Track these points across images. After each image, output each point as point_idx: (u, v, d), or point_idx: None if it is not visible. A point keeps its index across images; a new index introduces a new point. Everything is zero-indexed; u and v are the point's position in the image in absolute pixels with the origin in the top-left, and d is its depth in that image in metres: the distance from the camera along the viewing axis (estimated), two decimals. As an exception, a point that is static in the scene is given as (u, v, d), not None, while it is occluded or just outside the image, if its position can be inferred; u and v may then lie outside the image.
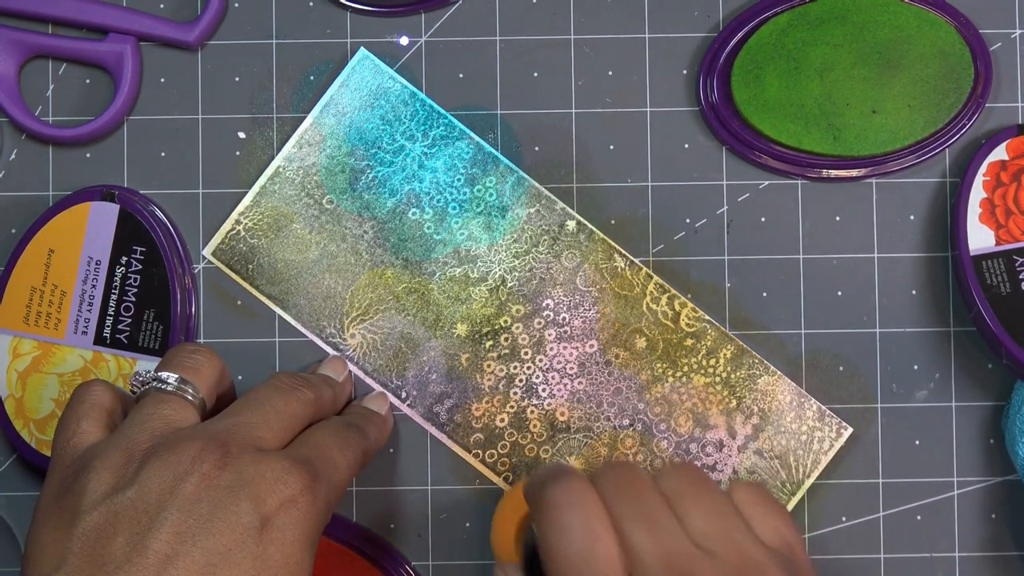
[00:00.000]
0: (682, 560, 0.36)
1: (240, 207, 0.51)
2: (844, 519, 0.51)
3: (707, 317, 0.51)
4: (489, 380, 0.51)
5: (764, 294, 0.51)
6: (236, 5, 0.51)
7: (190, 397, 0.41)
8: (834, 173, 0.50)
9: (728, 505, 0.38)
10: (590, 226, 0.51)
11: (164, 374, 0.42)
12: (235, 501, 0.37)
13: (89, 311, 0.50)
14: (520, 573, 0.42)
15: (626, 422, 0.50)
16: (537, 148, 0.51)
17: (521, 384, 0.51)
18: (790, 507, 0.50)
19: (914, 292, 0.51)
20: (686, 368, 0.51)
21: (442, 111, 0.51)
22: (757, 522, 0.38)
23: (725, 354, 0.51)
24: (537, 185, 0.51)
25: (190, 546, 0.36)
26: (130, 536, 0.36)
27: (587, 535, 0.36)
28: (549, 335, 0.51)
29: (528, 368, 0.51)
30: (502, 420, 0.51)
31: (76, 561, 0.36)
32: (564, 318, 0.51)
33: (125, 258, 0.50)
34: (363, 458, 0.44)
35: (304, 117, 0.51)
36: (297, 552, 0.38)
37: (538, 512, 0.38)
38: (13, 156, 0.51)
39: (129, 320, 0.49)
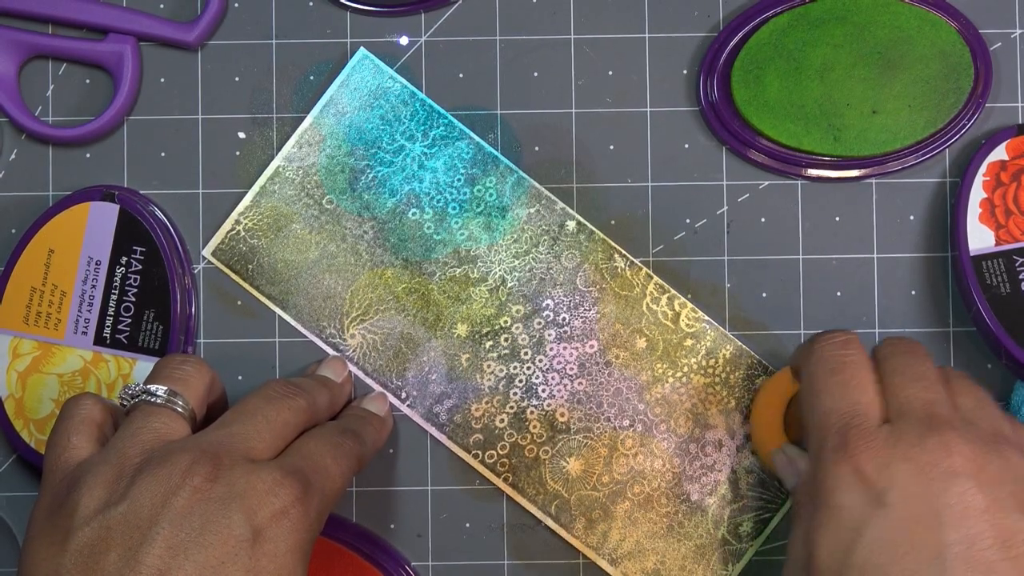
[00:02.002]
0: (944, 415, 0.41)
1: (240, 207, 0.51)
2: (844, 519, 0.51)
3: (707, 317, 0.51)
4: (489, 380, 0.51)
5: (764, 294, 0.51)
6: (236, 5, 0.51)
7: (180, 409, 0.41)
8: (834, 173, 0.50)
9: (992, 400, 0.43)
10: (590, 226, 0.51)
11: (153, 387, 0.42)
12: (227, 513, 0.37)
13: (89, 311, 0.50)
14: (798, 449, 0.46)
15: (626, 423, 0.50)
16: (537, 148, 0.51)
17: (521, 384, 0.51)
18: (787, 506, 0.50)
19: (914, 292, 0.51)
20: (686, 368, 0.51)
21: (442, 111, 0.51)
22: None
23: (725, 354, 0.51)
24: (537, 185, 0.51)
25: (183, 560, 0.36)
26: (123, 551, 0.36)
27: (856, 378, 0.43)
28: (549, 335, 0.51)
29: (528, 368, 0.51)
30: (502, 420, 0.51)
31: None
32: (564, 318, 0.51)
33: (125, 258, 0.50)
34: (358, 464, 0.44)
35: (304, 117, 0.51)
36: (290, 563, 0.38)
37: (808, 358, 0.44)
38: (13, 156, 0.51)
39: (129, 320, 0.49)
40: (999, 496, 0.39)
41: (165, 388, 0.42)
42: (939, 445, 0.39)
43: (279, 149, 0.51)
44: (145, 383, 0.42)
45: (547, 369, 0.51)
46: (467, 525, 0.51)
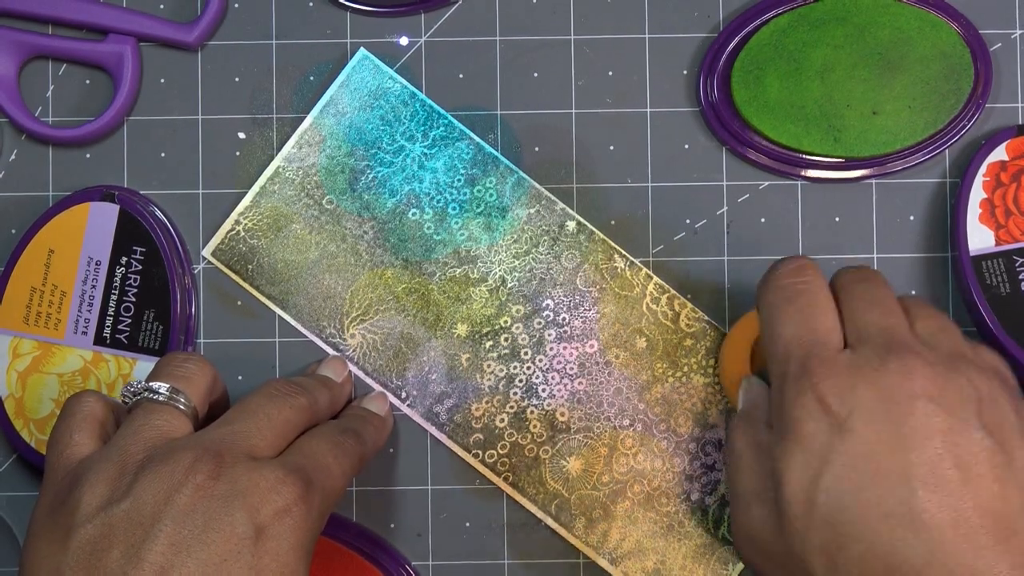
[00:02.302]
0: (903, 339, 0.41)
1: (240, 207, 0.51)
2: (844, 519, 0.51)
3: (707, 317, 0.51)
4: (489, 380, 0.51)
5: (764, 294, 0.51)
6: (236, 5, 0.51)
7: (182, 407, 0.41)
8: (834, 174, 0.50)
9: (952, 323, 0.43)
10: (590, 226, 0.51)
11: (156, 384, 0.42)
12: (229, 511, 0.37)
13: (89, 311, 0.50)
14: (764, 385, 0.45)
15: (626, 422, 0.50)
16: (537, 148, 0.51)
17: (521, 384, 0.51)
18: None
19: (914, 292, 0.51)
20: (686, 368, 0.51)
21: (442, 111, 0.51)
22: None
23: (725, 354, 0.51)
24: (537, 185, 0.51)
25: (185, 557, 0.36)
26: (125, 548, 0.36)
27: (813, 305, 0.42)
28: (549, 335, 0.51)
29: (528, 368, 0.51)
30: (502, 420, 0.51)
31: (72, 575, 0.36)
32: (564, 318, 0.51)
33: (125, 258, 0.50)
34: (359, 464, 0.44)
35: (304, 117, 0.51)
36: (292, 561, 0.38)
37: (764, 288, 0.44)
38: (13, 156, 0.51)
39: (129, 320, 0.50)
40: (962, 416, 0.39)
41: (168, 386, 0.42)
42: (900, 368, 0.39)
43: (279, 149, 0.51)
44: (147, 380, 0.42)
45: (547, 369, 0.51)
46: (467, 525, 0.51)
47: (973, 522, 0.37)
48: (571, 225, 0.51)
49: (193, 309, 0.51)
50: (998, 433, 0.39)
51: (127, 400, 0.42)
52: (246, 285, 0.51)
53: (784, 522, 0.40)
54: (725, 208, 0.51)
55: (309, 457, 0.41)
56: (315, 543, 0.40)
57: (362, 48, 0.51)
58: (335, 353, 0.51)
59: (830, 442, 0.39)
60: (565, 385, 0.51)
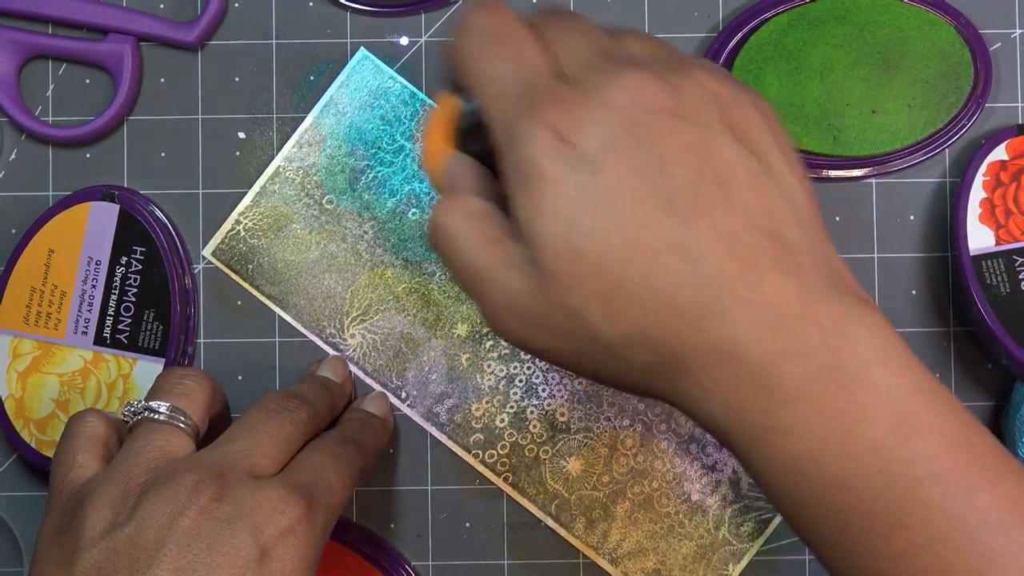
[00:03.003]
0: (622, 57, 0.36)
1: (240, 207, 0.51)
2: (844, 519, 0.51)
3: (707, 317, 0.51)
4: (489, 380, 0.51)
5: (764, 294, 0.51)
6: (236, 5, 0.51)
7: (182, 425, 0.41)
8: (834, 173, 0.50)
9: (665, 43, 0.39)
10: (590, 226, 0.51)
11: (155, 403, 0.41)
12: (234, 533, 0.37)
13: (89, 311, 0.50)
14: (468, 158, 0.39)
15: (626, 422, 0.50)
16: (537, 148, 0.51)
17: (521, 384, 0.51)
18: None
19: (914, 292, 0.51)
20: (686, 368, 0.51)
21: (442, 111, 0.51)
22: None
23: (725, 354, 0.51)
24: (537, 185, 0.51)
25: None
26: (130, 573, 0.36)
27: (519, 40, 0.37)
28: (549, 335, 0.51)
29: (528, 368, 0.51)
30: (502, 420, 0.51)
31: None
32: (564, 318, 0.51)
33: (125, 258, 0.50)
34: (360, 474, 0.43)
35: (304, 117, 0.51)
36: None
37: (459, 36, 0.38)
38: (13, 156, 0.51)
39: (129, 320, 0.50)
40: (705, 121, 0.35)
41: (168, 404, 0.41)
42: (628, 84, 0.34)
43: (279, 149, 0.51)
44: (147, 399, 0.42)
45: (547, 369, 0.51)
46: (467, 525, 0.51)
47: (749, 245, 0.34)
48: (571, 225, 0.51)
49: (193, 309, 0.51)
50: (746, 139, 0.35)
51: (128, 419, 0.42)
52: (246, 285, 0.51)
53: (550, 280, 0.35)
54: (725, 208, 0.51)
55: (311, 472, 0.41)
56: (319, 559, 0.40)
57: (362, 48, 0.51)
58: (335, 353, 0.51)
59: (580, 180, 0.34)
60: (565, 385, 0.51)
